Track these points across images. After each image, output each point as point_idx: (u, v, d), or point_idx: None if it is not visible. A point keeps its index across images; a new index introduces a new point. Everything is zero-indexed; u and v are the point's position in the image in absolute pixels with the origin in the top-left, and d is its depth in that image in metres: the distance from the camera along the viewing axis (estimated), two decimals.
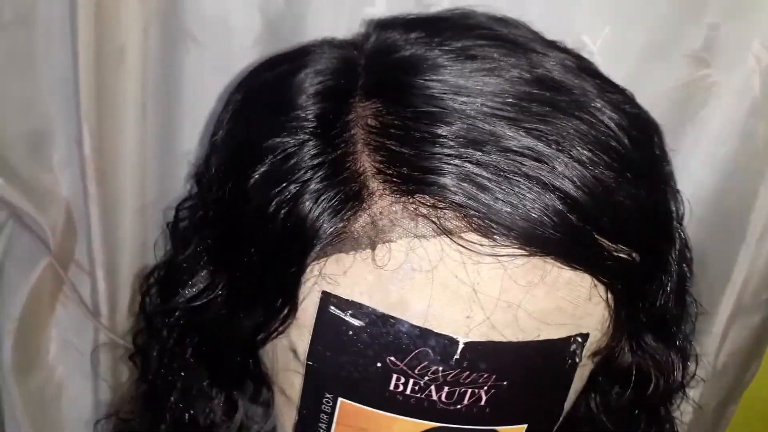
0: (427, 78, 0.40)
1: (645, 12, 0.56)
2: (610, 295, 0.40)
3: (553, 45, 0.46)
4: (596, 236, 0.38)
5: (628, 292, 0.40)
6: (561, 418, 0.44)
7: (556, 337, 0.39)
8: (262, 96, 0.45)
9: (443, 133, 0.37)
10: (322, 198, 0.38)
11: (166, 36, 0.64)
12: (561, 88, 0.41)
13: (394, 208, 0.37)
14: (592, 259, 0.38)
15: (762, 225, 0.62)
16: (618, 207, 0.39)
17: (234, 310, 0.43)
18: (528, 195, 0.36)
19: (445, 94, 0.39)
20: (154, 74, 0.65)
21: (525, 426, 0.43)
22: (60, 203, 0.74)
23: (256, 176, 0.40)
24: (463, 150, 0.37)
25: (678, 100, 0.58)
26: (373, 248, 0.38)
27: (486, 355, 0.39)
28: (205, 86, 0.66)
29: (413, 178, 0.37)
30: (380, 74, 0.42)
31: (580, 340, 0.40)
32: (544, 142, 0.38)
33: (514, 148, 0.37)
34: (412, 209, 0.37)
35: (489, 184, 0.36)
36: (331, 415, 0.43)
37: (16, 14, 0.63)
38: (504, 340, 0.38)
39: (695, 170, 0.60)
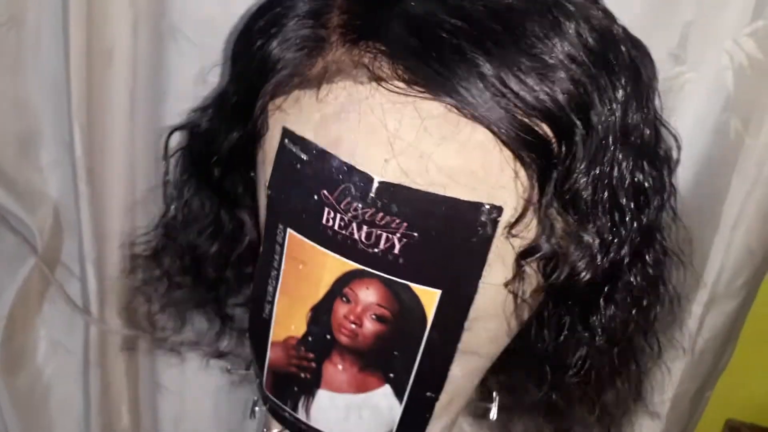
0: None
1: (621, 11, 0.59)
2: (523, 172, 0.43)
3: None
4: (515, 105, 0.42)
5: (541, 170, 0.43)
6: (476, 295, 0.47)
7: (465, 198, 0.43)
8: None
9: (396, 11, 0.44)
10: (289, 38, 0.46)
11: (154, 35, 0.67)
12: None
13: (343, 57, 0.44)
14: (506, 124, 0.42)
15: (735, 215, 0.66)
16: (544, 84, 0.42)
17: (219, 128, 0.53)
18: (455, 56, 0.41)
19: None
20: (142, 73, 0.68)
21: (439, 292, 0.46)
22: (48, 204, 0.77)
23: (255, 26, 0.49)
24: (407, 8, 0.43)
25: None
26: (318, 87, 0.45)
27: (397, 198, 0.43)
28: (194, 85, 0.68)
29: (361, 29, 0.44)
30: None
31: (492, 211, 0.43)
32: (489, 13, 0.43)
33: (457, 16, 0.42)
34: (355, 57, 0.44)
35: (423, 43, 0.42)
36: (282, 246, 0.49)
37: (5, 15, 0.65)
38: (415, 187, 0.43)
39: None
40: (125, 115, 0.69)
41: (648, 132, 0.48)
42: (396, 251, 0.45)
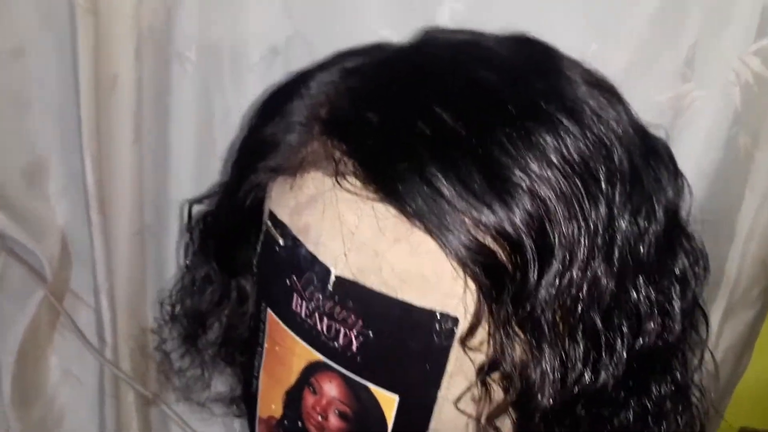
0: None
1: (630, 31, 0.62)
2: (474, 286, 0.43)
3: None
4: (464, 219, 0.41)
5: (492, 287, 0.42)
6: (435, 406, 0.46)
7: (417, 303, 0.43)
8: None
9: (371, 110, 0.45)
10: (286, 122, 0.48)
11: (159, 60, 0.69)
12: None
13: (319, 148, 0.46)
14: (453, 238, 0.41)
15: (748, 226, 0.69)
16: (498, 201, 0.41)
17: (222, 211, 0.57)
18: (407, 164, 0.42)
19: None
20: (147, 97, 0.70)
21: (397, 398, 0.47)
22: (56, 233, 0.79)
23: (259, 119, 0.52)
24: (375, 107, 0.45)
25: (665, 113, 0.65)
26: (295, 175, 0.47)
27: (353, 295, 0.45)
28: (198, 109, 0.72)
29: (336, 124, 0.46)
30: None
31: (447, 320, 0.43)
32: (451, 118, 0.43)
33: (423, 119, 0.43)
34: (328, 150, 0.46)
35: (382, 146, 0.44)
36: (264, 324, 0.52)
37: (11, 45, 0.68)
38: (368, 285, 0.44)
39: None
40: (131, 140, 0.71)
41: (649, 247, 0.46)
42: (354, 348, 0.46)
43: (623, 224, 0.44)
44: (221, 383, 0.69)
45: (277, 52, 0.67)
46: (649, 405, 0.50)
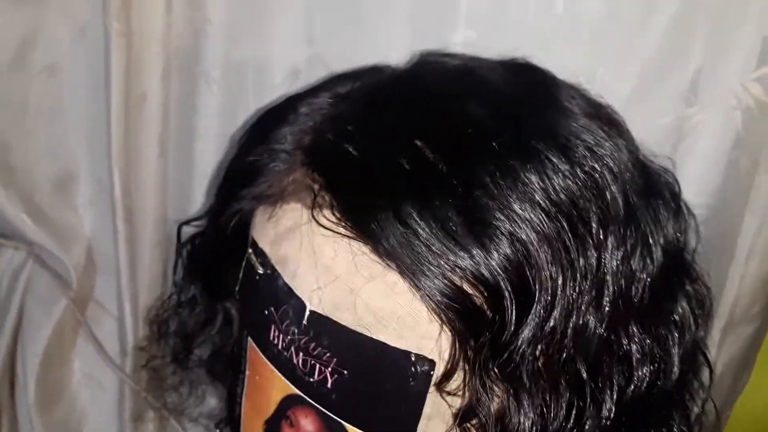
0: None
1: (637, 56, 0.65)
2: (449, 331, 0.41)
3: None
4: (438, 263, 0.40)
5: (467, 333, 0.41)
6: None
7: (393, 344, 0.42)
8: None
9: (352, 142, 0.45)
10: (270, 149, 0.48)
11: (185, 80, 0.73)
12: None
13: (300, 178, 0.46)
14: (427, 281, 0.40)
15: (749, 246, 0.72)
16: (475, 245, 0.40)
17: (207, 234, 0.58)
18: (381, 201, 0.41)
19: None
20: (173, 116, 0.74)
21: None
22: (82, 242, 0.83)
23: (246, 143, 0.52)
24: (351, 145, 0.44)
25: (668, 135, 0.68)
26: (275, 204, 0.47)
27: (327, 331, 0.44)
28: (222, 126, 0.75)
29: (317, 155, 0.46)
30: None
31: (423, 363, 0.42)
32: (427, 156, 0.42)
33: (402, 154, 0.42)
34: (308, 182, 0.45)
35: (359, 181, 0.43)
36: (246, 351, 0.51)
37: (46, 63, 0.71)
38: (342, 322, 0.43)
39: (686, 198, 0.70)
40: (157, 155, 0.75)
41: (643, 291, 0.44)
42: (329, 385, 0.45)
43: (614, 267, 0.42)
44: (216, 398, 0.72)
45: (298, 74, 0.70)
46: None
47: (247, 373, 0.52)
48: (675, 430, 0.49)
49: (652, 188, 0.48)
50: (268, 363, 0.49)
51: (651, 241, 0.45)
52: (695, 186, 0.69)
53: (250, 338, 0.50)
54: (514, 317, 0.40)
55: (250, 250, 0.49)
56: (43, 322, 0.83)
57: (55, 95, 0.74)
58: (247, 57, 0.71)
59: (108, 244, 0.79)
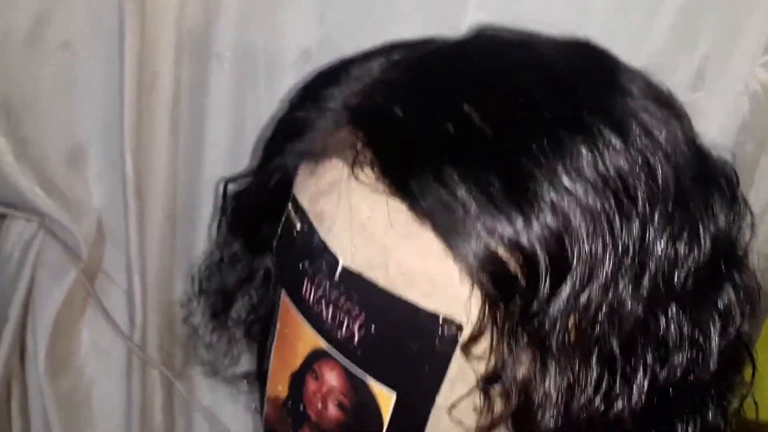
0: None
1: (644, 43, 0.67)
2: (480, 294, 0.41)
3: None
4: (475, 225, 0.40)
5: (499, 298, 0.41)
6: (433, 410, 0.45)
7: (422, 305, 0.43)
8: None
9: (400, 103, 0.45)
10: (320, 107, 0.49)
11: (196, 60, 0.74)
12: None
13: (344, 136, 0.46)
14: (462, 243, 0.40)
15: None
16: (515, 210, 0.40)
17: (251, 190, 0.58)
18: (422, 163, 0.41)
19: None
20: (185, 94, 0.75)
21: (395, 395, 0.46)
22: (92, 215, 0.84)
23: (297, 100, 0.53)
24: (398, 106, 0.44)
25: None
26: (318, 161, 0.48)
27: (358, 287, 0.44)
28: (233, 106, 0.77)
29: (362, 115, 0.46)
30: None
31: (451, 326, 0.43)
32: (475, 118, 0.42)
33: (448, 117, 0.42)
34: (352, 139, 0.46)
35: (402, 140, 0.43)
36: (278, 305, 0.52)
37: (61, 39, 0.72)
38: (373, 280, 0.44)
39: None
40: (168, 133, 0.76)
41: (687, 275, 0.43)
42: (356, 340, 0.46)
43: (659, 248, 0.42)
44: (248, 361, 0.73)
45: (310, 56, 0.71)
46: None
47: (277, 326, 0.53)
48: (710, 421, 0.48)
49: (707, 175, 0.47)
50: (298, 316, 0.49)
51: (700, 226, 0.44)
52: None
53: (283, 291, 0.51)
54: (548, 286, 0.40)
55: (290, 206, 0.50)
56: (53, 292, 0.85)
57: (69, 71, 0.74)
58: (258, 38, 0.72)
59: (117, 217, 0.81)
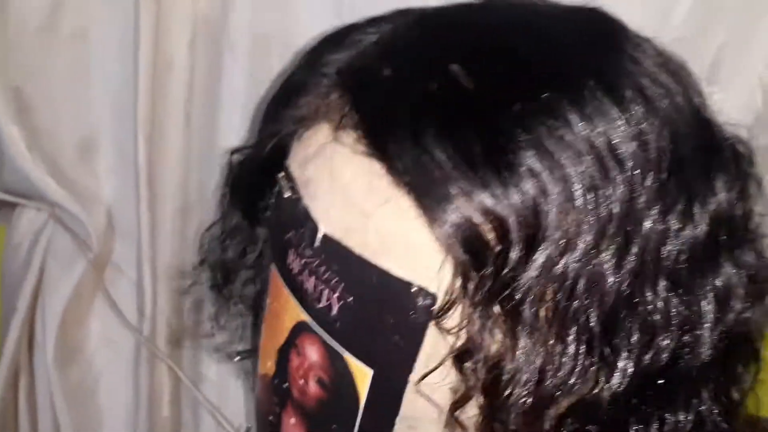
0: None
1: (659, 36, 0.67)
2: (452, 262, 0.40)
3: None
4: (451, 191, 0.39)
5: (470, 267, 0.40)
6: (408, 386, 0.45)
7: (396, 273, 0.42)
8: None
9: (388, 64, 0.44)
10: (309, 76, 0.48)
11: (211, 49, 0.75)
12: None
13: (333, 100, 0.46)
14: (436, 207, 0.39)
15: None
16: (494, 177, 0.38)
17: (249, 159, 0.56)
18: (402, 126, 0.41)
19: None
20: (198, 84, 0.76)
21: (371, 372, 0.45)
22: (103, 205, 0.85)
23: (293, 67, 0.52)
24: (386, 67, 0.44)
25: None
26: (308, 127, 0.47)
27: (337, 255, 0.44)
28: (247, 95, 0.77)
29: (350, 75, 0.46)
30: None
31: (425, 296, 0.42)
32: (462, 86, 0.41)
33: (433, 78, 0.41)
34: (339, 103, 0.45)
35: (384, 99, 0.43)
36: (269, 277, 0.52)
37: (74, 28, 0.74)
38: (352, 248, 0.43)
39: None
40: (182, 123, 0.77)
41: (678, 251, 0.41)
42: (334, 312, 0.45)
43: (648, 219, 0.40)
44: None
45: None
46: None
47: (268, 300, 0.53)
48: (704, 414, 0.45)
49: (712, 147, 0.44)
50: (284, 288, 0.49)
51: (697, 199, 0.42)
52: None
53: (273, 264, 0.51)
54: (521, 254, 0.38)
55: (282, 174, 0.49)
56: (62, 282, 0.86)
57: (82, 59, 0.75)
58: (272, 27, 0.73)
59: (129, 208, 0.82)
